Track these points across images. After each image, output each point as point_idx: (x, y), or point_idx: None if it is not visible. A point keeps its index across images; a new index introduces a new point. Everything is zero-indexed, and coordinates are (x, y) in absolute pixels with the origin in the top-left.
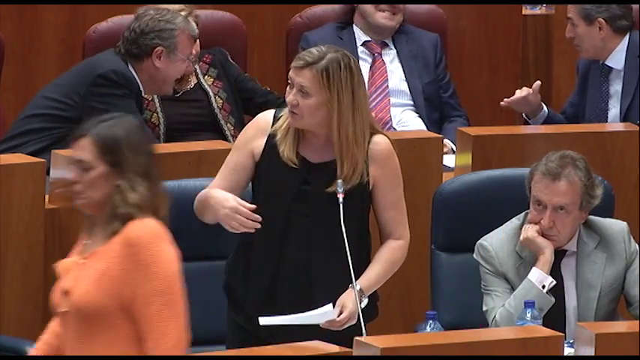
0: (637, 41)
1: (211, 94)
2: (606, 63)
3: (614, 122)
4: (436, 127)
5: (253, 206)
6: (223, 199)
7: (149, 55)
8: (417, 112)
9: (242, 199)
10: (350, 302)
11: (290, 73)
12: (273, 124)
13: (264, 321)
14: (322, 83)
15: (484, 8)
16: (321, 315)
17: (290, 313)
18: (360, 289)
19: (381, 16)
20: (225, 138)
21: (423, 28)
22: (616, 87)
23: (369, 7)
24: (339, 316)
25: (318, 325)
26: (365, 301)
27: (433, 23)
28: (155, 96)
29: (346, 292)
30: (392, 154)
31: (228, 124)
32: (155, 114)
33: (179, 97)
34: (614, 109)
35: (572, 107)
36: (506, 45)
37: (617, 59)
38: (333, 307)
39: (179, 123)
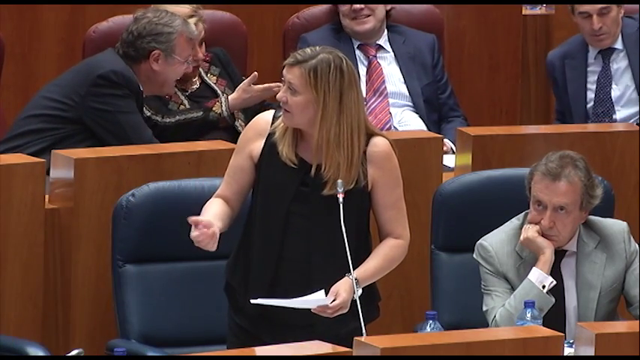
0: (629, 22)
1: (219, 92)
2: (612, 45)
3: (619, 101)
4: (436, 127)
5: (196, 233)
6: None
7: (146, 58)
8: (417, 113)
9: (247, 201)
10: (344, 291)
11: (283, 70)
12: (272, 124)
13: (255, 301)
14: (309, 82)
15: (484, 8)
16: (314, 300)
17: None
18: (356, 279)
19: (354, 23)
20: (237, 134)
21: (419, 29)
22: (615, 66)
23: (343, 20)
24: (332, 302)
25: (317, 323)
26: (359, 292)
27: (430, 23)
28: (176, 89)
29: (341, 280)
30: (390, 155)
31: (239, 120)
32: (182, 105)
33: (189, 96)
34: (617, 89)
35: (560, 113)
36: (506, 45)
37: (618, 40)
38: (326, 295)
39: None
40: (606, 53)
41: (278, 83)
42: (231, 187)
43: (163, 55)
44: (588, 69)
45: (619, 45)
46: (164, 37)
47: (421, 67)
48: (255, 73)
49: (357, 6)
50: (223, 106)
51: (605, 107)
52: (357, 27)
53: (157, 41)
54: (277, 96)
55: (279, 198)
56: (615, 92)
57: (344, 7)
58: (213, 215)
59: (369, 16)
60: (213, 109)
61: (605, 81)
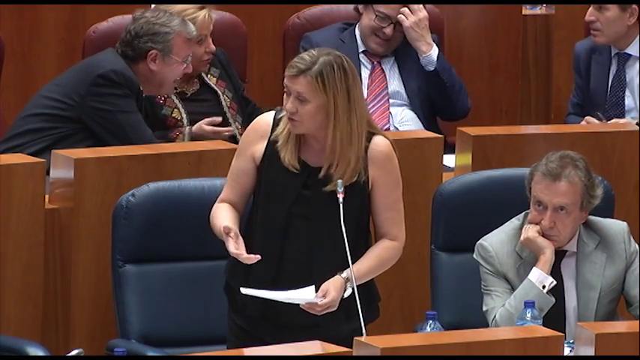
0: None
1: (219, 92)
2: (626, 51)
3: (632, 111)
4: (435, 123)
5: (250, 257)
6: (225, 239)
7: (144, 57)
8: (415, 113)
9: (249, 203)
10: (333, 289)
11: (285, 81)
12: (273, 127)
13: (245, 291)
14: (318, 88)
15: (484, 8)
16: (303, 296)
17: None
18: (347, 278)
19: (374, 41)
20: (233, 137)
21: None
22: (630, 73)
23: (366, 29)
24: (321, 300)
25: (316, 324)
26: (349, 291)
27: (430, 23)
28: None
29: (332, 278)
30: (391, 155)
31: (237, 123)
32: (176, 109)
33: (189, 97)
34: (629, 98)
35: (579, 106)
36: (506, 45)
37: (634, 47)
38: (316, 291)
39: (193, 122)
40: (622, 57)
41: (229, 128)
42: (234, 191)
43: (160, 55)
44: (611, 67)
45: (635, 51)
46: (161, 37)
47: (421, 66)
48: (215, 118)
49: (388, 32)
50: (186, 138)
51: (616, 112)
52: (374, 45)
53: (153, 41)
54: (287, 107)
55: (280, 200)
56: (629, 100)
57: (374, 23)
58: (229, 221)
59: (389, 41)
60: (176, 141)
61: (619, 85)
